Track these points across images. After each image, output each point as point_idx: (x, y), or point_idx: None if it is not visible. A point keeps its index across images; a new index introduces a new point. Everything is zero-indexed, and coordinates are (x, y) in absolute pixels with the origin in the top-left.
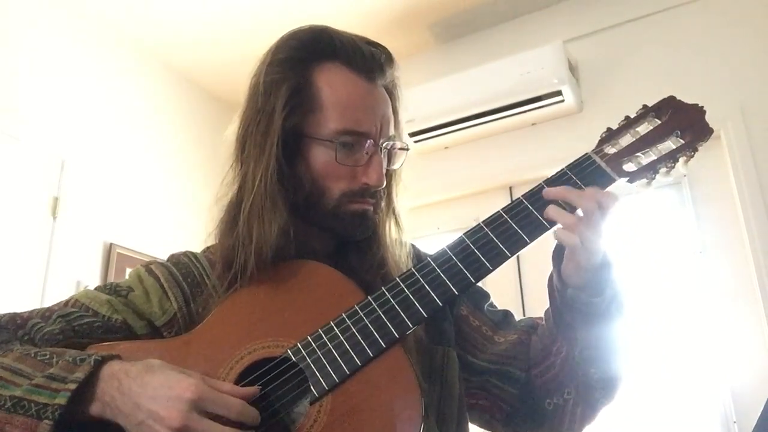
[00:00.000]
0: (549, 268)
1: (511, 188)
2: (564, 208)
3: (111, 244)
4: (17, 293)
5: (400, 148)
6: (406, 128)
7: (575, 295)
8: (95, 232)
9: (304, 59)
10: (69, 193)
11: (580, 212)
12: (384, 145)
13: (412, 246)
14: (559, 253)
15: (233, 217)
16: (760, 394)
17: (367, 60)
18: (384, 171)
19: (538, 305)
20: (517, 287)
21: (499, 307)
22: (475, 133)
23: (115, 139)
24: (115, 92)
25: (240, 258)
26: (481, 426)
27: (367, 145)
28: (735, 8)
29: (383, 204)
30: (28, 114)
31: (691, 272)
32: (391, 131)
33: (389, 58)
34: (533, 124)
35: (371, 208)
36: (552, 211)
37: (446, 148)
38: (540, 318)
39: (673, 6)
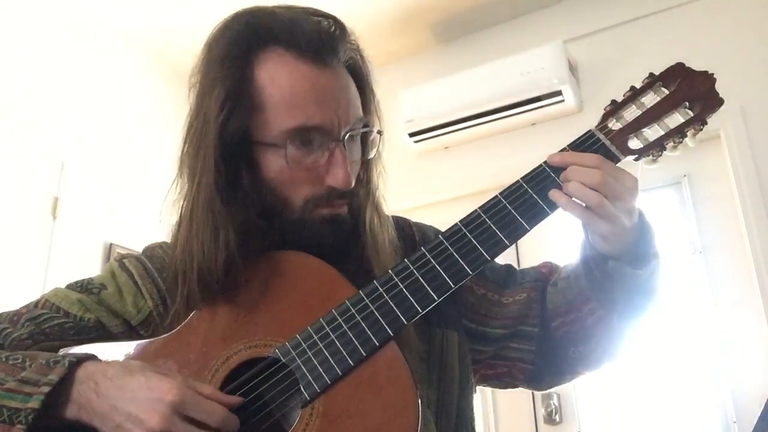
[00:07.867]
0: (547, 250)
1: None
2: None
3: (111, 244)
4: (17, 293)
5: (377, 132)
6: (405, 128)
7: (619, 268)
8: (95, 232)
9: (241, 54)
10: (69, 193)
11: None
12: (347, 135)
13: (401, 221)
14: None
15: (173, 243)
16: (760, 394)
17: (311, 40)
18: (350, 167)
19: None
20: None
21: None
22: (475, 133)
23: (116, 139)
24: (116, 92)
25: (182, 291)
26: (503, 388)
27: (324, 140)
28: (735, 8)
29: (362, 196)
30: (28, 114)
31: (691, 272)
32: (357, 115)
33: (342, 30)
34: (533, 124)
35: (344, 210)
36: (560, 190)
37: (446, 148)
38: (544, 266)
39: (673, 6)
